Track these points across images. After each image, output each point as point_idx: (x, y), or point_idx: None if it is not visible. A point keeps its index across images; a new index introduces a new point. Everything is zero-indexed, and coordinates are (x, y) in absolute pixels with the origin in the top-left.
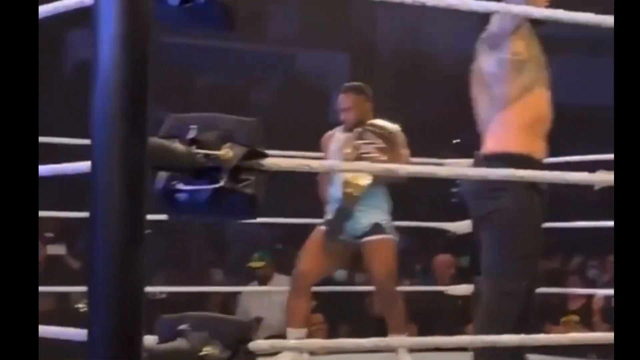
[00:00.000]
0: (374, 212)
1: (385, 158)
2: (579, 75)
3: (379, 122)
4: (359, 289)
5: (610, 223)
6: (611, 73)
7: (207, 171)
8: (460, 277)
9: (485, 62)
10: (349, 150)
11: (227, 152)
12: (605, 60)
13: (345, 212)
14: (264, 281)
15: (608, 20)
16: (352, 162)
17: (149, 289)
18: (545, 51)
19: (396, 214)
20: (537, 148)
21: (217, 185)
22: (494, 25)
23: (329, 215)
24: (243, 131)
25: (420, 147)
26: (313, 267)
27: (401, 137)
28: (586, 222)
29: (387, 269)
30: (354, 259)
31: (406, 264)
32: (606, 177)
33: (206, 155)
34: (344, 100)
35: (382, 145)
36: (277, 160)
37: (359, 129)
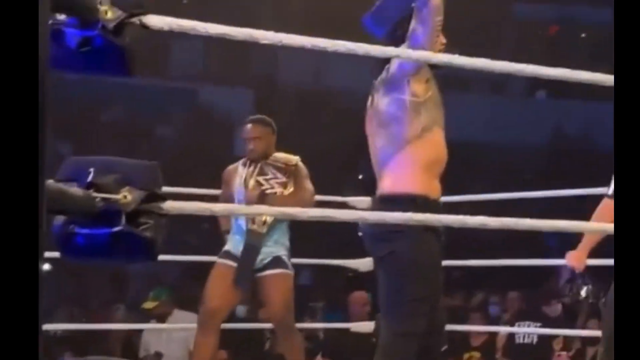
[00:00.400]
0: (274, 246)
1: (288, 193)
2: (478, 114)
3: (281, 155)
4: (260, 326)
5: (510, 261)
6: (510, 112)
7: (105, 215)
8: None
9: (384, 103)
10: (252, 186)
11: (125, 196)
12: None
13: (253, 249)
14: (162, 318)
15: (505, 66)
16: (253, 204)
17: (48, 326)
18: (442, 90)
19: (299, 251)
20: (434, 188)
21: (115, 229)
22: (394, 67)
23: (230, 246)
24: (141, 175)
25: (325, 183)
26: (222, 304)
27: (304, 170)
28: (487, 260)
29: (285, 304)
30: (252, 293)
31: (309, 300)
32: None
33: (104, 199)
34: (251, 131)
35: (285, 179)
36: (177, 203)
37: (261, 163)
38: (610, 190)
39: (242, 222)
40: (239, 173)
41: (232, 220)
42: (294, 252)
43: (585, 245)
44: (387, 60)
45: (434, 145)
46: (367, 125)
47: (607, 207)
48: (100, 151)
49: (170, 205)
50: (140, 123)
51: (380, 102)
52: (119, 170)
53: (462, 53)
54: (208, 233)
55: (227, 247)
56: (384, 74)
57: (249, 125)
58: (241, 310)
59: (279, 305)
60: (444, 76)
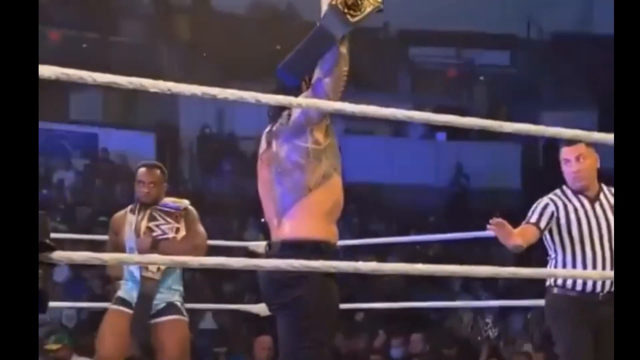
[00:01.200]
0: (168, 292)
1: (180, 237)
2: (378, 156)
3: (170, 199)
4: None
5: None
6: (411, 154)
7: None
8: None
9: (285, 150)
10: (143, 233)
11: None
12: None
13: (148, 296)
14: None
15: (405, 113)
16: (146, 251)
17: None
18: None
19: (201, 295)
20: (333, 233)
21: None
22: (297, 115)
23: (123, 293)
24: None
25: (227, 227)
26: (115, 352)
27: (194, 214)
28: (389, 303)
29: (181, 350)
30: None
31: (213, 346)
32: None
33: None
34: (147, 175)
35: (176, 224)
36: (65, 253)
37: (150, 209)
38: (534, 218)
39: (135, 269)
40: (129, 220)
41: (124, 267)
42: (193, 295)
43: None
44: (283, 107)
45: (334, 191)
46: (261, 171)
47: (529, 229)
48: None
49: (59, 255)
50: (41, 167)
51: (281, 149)
52: None
53: (361, 96)
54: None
55: (120, 294)
56: (283, 120)
57: (144, 170)
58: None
59: (175, 351)
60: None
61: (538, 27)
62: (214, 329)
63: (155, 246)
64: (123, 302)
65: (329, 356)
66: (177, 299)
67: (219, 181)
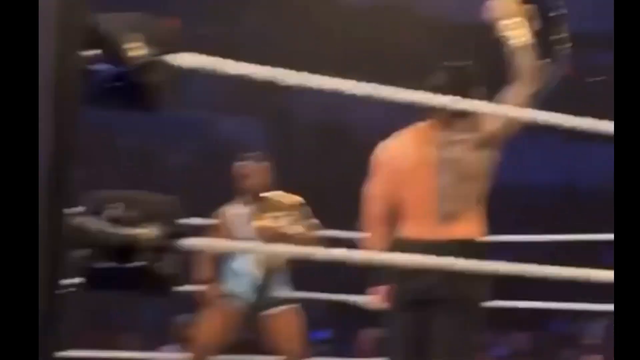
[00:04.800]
0: (280, 285)
1: (300, 232)
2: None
3: (282, 194)
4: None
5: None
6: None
7: (127, 249)
8: None
9: (474, 158)
10: (265, 224)
11: (148, 231)
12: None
13: (265, 287)
14: None
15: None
16: (269, 238)
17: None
18: None
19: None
20: None
21: (137, 264)
22: (494, 126)
23: (234, 286)
24: (163, 210)
25: (337, 217)
26: (219, 342)
27: (307, 208)
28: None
29: (300, 338)
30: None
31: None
32: None
33: (127, 234)
34: (250, 166)
35: (294, 218)
36: (198, 240)
37: (264, 202)
38: None
39: (241, 264)
40: (238, 213)
41: (229, 265)
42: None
43: None
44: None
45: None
46: (426, 169)
47: None
48: (114, 179)
49: (191, 242)
50: (154, 151)
51: (468, 155)
52: (141, 206)
53: None
54: None
55: (231, 287)
56: (460, 126)
57: (247, 162)
58: None
59: (295, 339)
60: None
61: None
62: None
63: (279, 239)
64: (232, 296)
65: None
66: (287, 289)
67: (333, 170)
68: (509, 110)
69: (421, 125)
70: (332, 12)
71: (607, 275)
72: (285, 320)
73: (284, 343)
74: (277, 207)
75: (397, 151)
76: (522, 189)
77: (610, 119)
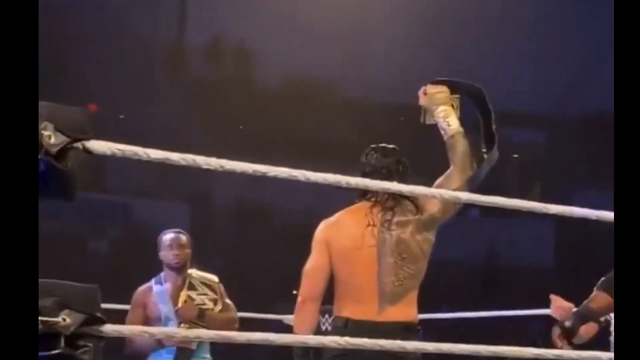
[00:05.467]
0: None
1: (218, 310)
2: None
3: (200, 272)
4: None
5: None
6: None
7: (44, 338)
8: None
9: (417, 239)
10: (185, 302)
11: (64, 319)
12: None
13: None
14: None
15: (451, 193)
16: (191, 320)
17: None
18: None
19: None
20: None
21: (54, 352)
22: (434, 209)
23: None
24: (81, 297)
25: (261, 299)
26: None
27: (222, 288)
28: None
29: None
30: None
31: None
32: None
33: (43, 322)
34: (176, 239)
35: (214, 296)
36: (116, 327)
37: (187, 278)
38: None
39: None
40: (158, 291)
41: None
42: None
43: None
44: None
45: None
46: (359, 252)
47: (600, 297)
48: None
49: (109, 329)
50: (75, 236)
51: (409, 237)
52: (57, 293)
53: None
54: None
55: None
56: (404, 207)
57: (171, 235)
58: None
59: None
60: None
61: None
62: None
63: (202, 316)
64: None
65: None
66: None
67: (254, 251)
68: (445, 193)
69: (362, 205)
70: (247, 96)
71: (529, 351)
72: None
73: None
74: (201, 283)
75: (338, 230)
76: (444, 264)
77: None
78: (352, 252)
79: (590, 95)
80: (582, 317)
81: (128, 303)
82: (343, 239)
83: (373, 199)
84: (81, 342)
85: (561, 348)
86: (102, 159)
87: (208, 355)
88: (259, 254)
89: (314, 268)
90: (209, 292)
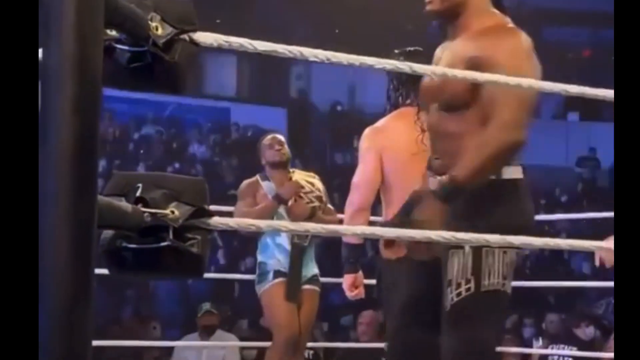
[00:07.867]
0: (311, 263)
1: (326, 208)
2: None
3: (301, 171)
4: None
5: (545, 283)
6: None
7: (152, 230)
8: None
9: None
10: (295, 200)
11: (173, 211)
12: (535, 121)
13: (300, 261)
14: (211, 333)
15: (541, 85)
16: (301, 217)
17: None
18: None
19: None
20: None
21: (162, 244)
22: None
23: (279, 266)
24: (189, 190)
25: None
26: (294, 320)
27: (323, 188)
28: (522, 281)
29: (313, 320)
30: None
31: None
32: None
33: (152, 214)
34: (274, 139)
35: (319, 193)
36: (223, 219)
37: (289, 178)
38: None
39: (284, 238)
40: (265, 186)
41: (266, 238)
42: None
43: None
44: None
45: None
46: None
47: None
48: (134, 168)
49: (217, 221)
50: (174, 141)
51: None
52: (166, 186)
53: None
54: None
55: (278, 268)
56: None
57: (270, 136)
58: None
59: (309, 319)
60: None
61: None
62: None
63: (313, 214)
64: (281, 273)
65: None
66: (316, 270)
67: (349, 157)
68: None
69: (405, 110)
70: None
71: None
72: (307, 300)
73: (302, 320)
74: (307, 182)
75: (389, 137)
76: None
77: None
78: (409, 157)
79: None
80: None
81: (227, 205)
82: (396, 144)
83: (415, 104)
84: (189, 235)
85: None
86: (202, 65)
87: (316, 269)
88: (355, 159)
89: (366, 180)
90: (315, 190)
